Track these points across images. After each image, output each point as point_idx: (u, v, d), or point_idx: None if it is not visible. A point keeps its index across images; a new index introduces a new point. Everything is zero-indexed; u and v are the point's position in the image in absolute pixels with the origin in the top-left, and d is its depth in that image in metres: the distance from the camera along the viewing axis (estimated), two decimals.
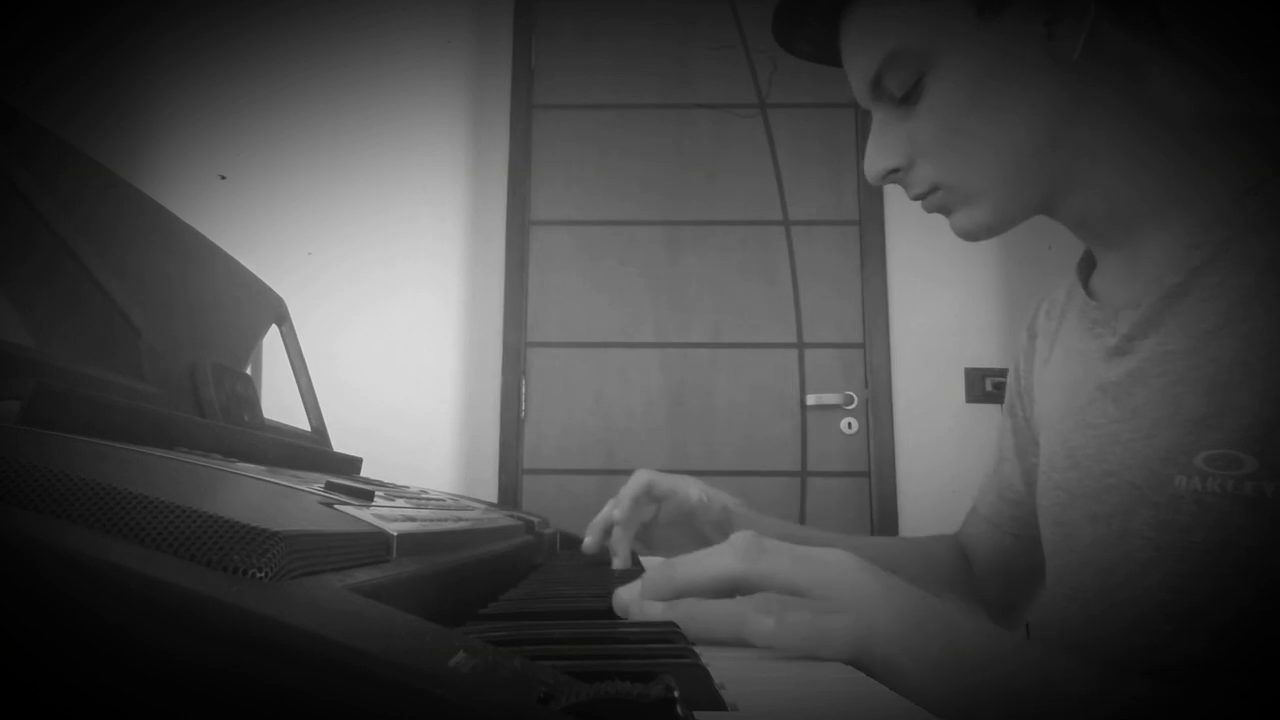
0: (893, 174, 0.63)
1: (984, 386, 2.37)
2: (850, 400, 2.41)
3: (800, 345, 2.45)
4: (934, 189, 0.62)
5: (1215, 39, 0.64)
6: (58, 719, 0.18)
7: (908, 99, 0.60)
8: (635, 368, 2.45)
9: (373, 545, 0.38)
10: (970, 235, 0.63)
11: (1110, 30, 0.56)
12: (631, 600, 0.45)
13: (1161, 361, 0.56)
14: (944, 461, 2.33)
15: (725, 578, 0.42)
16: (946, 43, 0.58)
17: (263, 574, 0.24)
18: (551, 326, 2.48)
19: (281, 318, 1.07)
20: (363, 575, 0.32)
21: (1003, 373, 2.41)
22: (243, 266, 1.00)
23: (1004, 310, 2.42)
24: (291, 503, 0.42)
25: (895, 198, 2.47)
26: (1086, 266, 0.69)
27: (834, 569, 0.41)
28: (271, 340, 1.08)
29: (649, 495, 0.87)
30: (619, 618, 0.44)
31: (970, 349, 2.40)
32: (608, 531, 0.85)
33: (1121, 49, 0.57)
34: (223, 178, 2.36)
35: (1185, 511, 0.51)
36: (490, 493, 2.33)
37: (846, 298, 2.47)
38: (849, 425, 2.40)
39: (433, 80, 2.55)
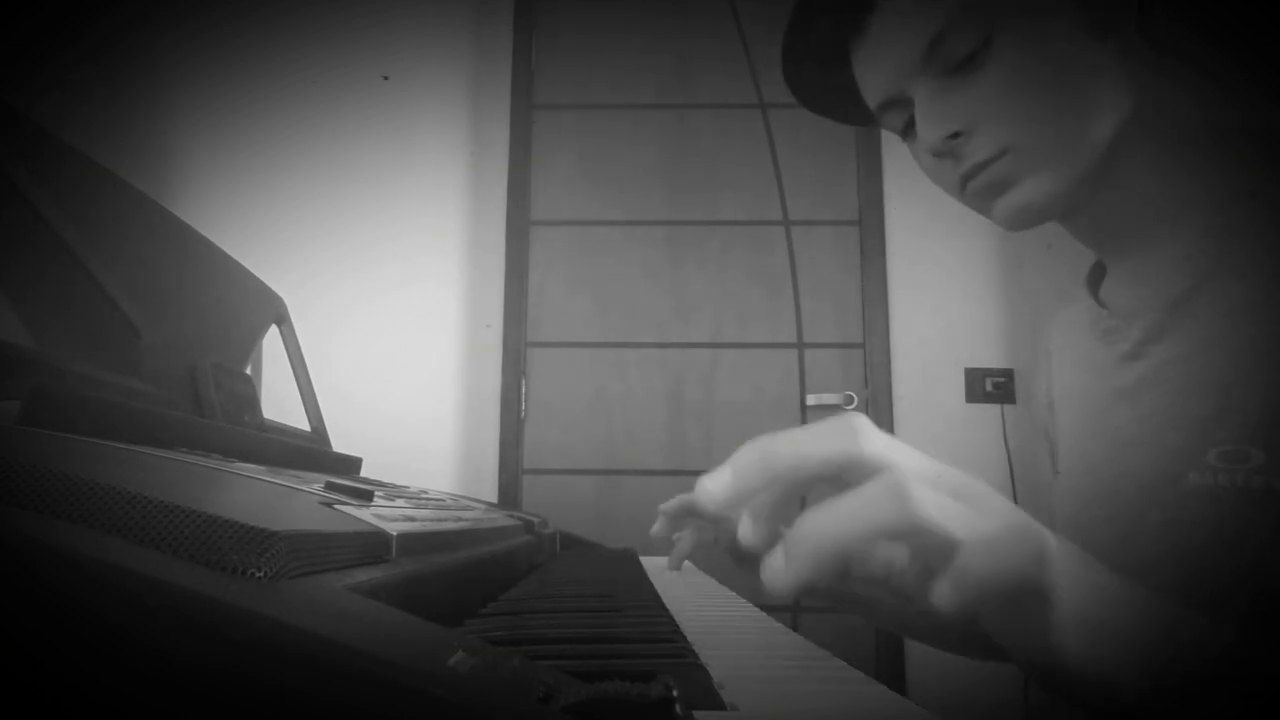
0: (953, 139, 0.59)
1: (984, 386, 2.37)
2: (850, 400, 2.41)
3: (800, 345, 2.45)
4: (1002, 152, 0.58)
5: (1215, 39, 0.65)
6: (58, 719, 0.18)
7: (968, 62, 0.57)
8: (635, 368, 2.45)
9: (372, 545, 0.38)
10: (1023, 212, 0.60)
11: (1134, 39, 0.57)
12: (723, 494, 0.33)
13: (1173, 365, 0.57)
14: (944, 461, 2.32)
15: (882, 531, 0.31)
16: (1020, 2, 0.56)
17: (262, 574, 0.24)
18: (551, 326, 2.48)
19: (281, 318, 1.07)
20: (362, 575, 0.32)
21: (1003, 373, 2.42)
22: (243, 266, 1.00)
23: (1004, 310, 2.42)
24: (291, 503, 0.42)
25: (895, 198, 2.47)
26: (1095, 277, 0.69)
27: (994, 502, 0.34)
28: (271, 340, 1.08)
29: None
30: (618, 618, 0.44)
31: (970, 349, 2.40)
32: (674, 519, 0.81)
33: (1139, 58, 0.58)
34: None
35: (1196, 508, 0.52)
36: (490, 493, 2.33)
37: (846, 298, 2.47)
38: None
39: (433, 80, 2.55)
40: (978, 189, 0.60)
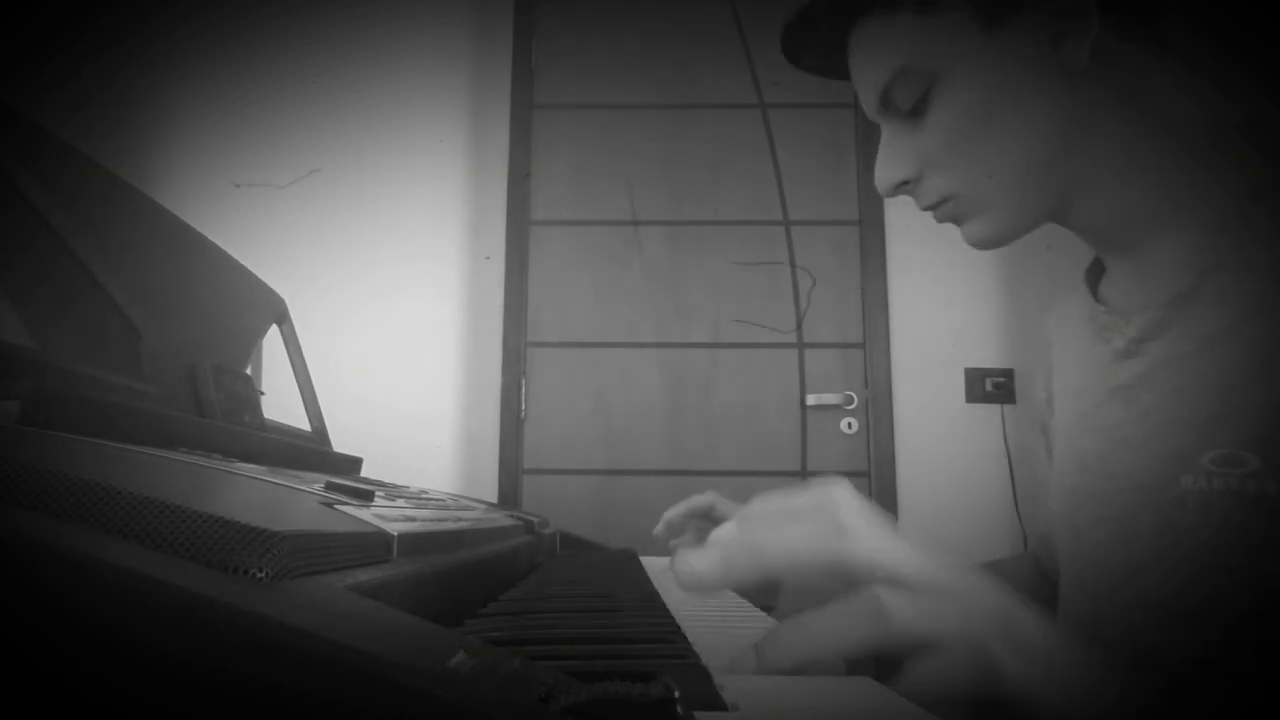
0: (903, 186, 0.64)
1: (984, 386, 2.37)
2: (850, 400, 2.41)
3: (800, 345, 2.45)
4: (944, 200, 0.63)
5: (1216, 39, 0.64)
6: (58, 719, 0.18)
7: (915, 112, 0.61)
8: (635, 368, 2.45)
9: (373, 545, 0.38)
10: (981, 244, 0.64)
11: (1116, 42, 0.57)
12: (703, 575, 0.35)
13: (1170, 364, 0.56)
14: (944, 461, 2.33)
15: (861, 650, 0.35)
16: (953, 58, 0.58)
17: (263, 574, 0.24)
18: (551, 326, 2.48)
19: (281, 317, 1.07)
20: (363, 575, 0.32)
21: (1003, 372, 2.42)
22: (243, 266, 1.00)
23: (1004, 310, 2.42)
24: (292, 503, 0.42)
25: (896, 198, 2.46)
26: (1094, 273, 0.69)
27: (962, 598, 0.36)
28: (271, 340, 1.08)
29: (708, 515, 0.90)
30: (619, 618, 0.44)
31: (970, 349, 2.40)
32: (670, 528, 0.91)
33: (1128, 59, 0.58)
34: (237, 185, 2.36)
35: (1190, 511, 0.52)
36: (490, 493, 2.33)
37: (846, 298, 2.47)
38: (849, 425, 2.40)
39: (433, 80, 2.55)
40: (938, 220, 0.65)
